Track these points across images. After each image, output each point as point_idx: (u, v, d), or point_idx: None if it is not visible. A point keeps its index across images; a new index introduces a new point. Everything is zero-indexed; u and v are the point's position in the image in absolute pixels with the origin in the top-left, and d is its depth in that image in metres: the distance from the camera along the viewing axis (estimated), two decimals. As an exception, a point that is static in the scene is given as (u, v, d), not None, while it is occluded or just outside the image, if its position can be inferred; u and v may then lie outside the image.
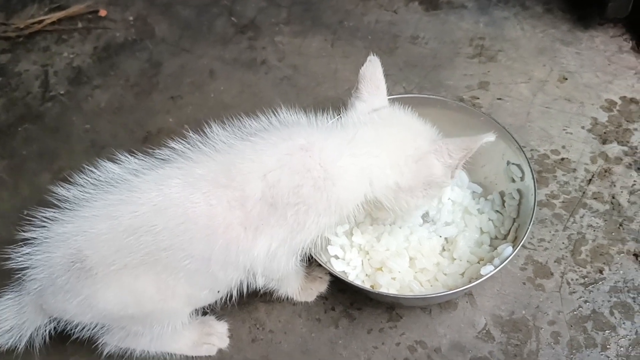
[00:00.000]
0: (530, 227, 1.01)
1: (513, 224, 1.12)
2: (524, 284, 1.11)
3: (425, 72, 1.46)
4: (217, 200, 0.92)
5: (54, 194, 0.95)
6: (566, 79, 1.42)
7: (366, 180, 0.97)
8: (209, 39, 1.64)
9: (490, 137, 0.93)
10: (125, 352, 1.04)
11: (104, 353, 1.03)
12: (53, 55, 1.64)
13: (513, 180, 1.14)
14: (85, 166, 0.97)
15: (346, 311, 1.12)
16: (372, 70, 1.04)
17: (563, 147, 1.29)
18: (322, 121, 1.00)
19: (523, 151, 1.09)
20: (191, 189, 0.92)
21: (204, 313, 1.11)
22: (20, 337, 1.01)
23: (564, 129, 1.32)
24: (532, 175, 1.06)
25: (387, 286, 1.07)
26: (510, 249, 1.03)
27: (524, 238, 1.00)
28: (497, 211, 1.16)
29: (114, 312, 0.95)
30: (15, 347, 1.01)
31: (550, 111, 1.36)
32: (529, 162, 1.08)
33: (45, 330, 1.01)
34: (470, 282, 1.02)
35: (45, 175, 1.36)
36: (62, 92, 1.55)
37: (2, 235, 1.21)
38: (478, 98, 1.38)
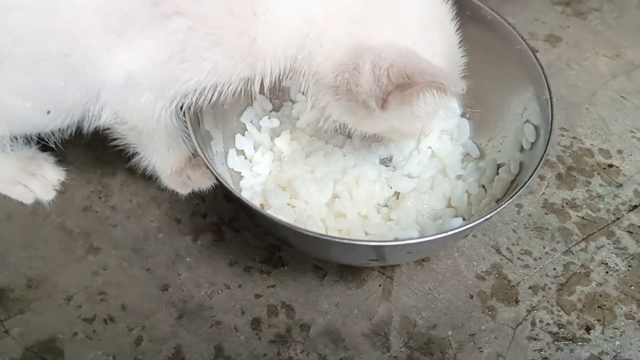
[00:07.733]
0: (508, 204, 0.64)
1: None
2: (471, 297, 0.74)
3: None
4: None
5: None
6: (666, 75, 1.01)
7: (303, 31, 0.62)
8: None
9: (455, 87, 0.56)
10: None
11: None
12: None
13: (521, 149, 0.75)
14: None
15: (217, 225, 0.79)
16: None
17: (619, 151, 0.89)
18: None
19: (551, 103, 0.70)
20: None
21: (44, 149, 0.80)
22: None
23: (632, 131, 0.91)
24: (547, 142, 0.68)
25: (279, 212, 0.72)
26: (459, 220, 0.67)
27: (495, 212, 0.62)
28: (483, 186, 0.78)
29: None
30: None
31: (625, 102, 0.95)
32: (551, 122, 0.69)
33: None
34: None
35: None
36: None
37: None
38: (538, 51, 0.99)
